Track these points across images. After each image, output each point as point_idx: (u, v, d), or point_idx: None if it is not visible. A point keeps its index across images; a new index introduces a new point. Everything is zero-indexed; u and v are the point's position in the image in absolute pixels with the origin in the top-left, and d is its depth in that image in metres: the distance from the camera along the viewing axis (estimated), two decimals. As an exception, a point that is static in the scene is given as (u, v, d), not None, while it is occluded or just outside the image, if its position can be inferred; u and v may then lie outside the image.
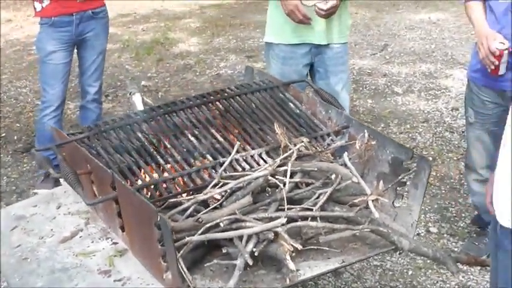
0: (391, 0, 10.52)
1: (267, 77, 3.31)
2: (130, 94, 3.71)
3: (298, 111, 3.04)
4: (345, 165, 2.49)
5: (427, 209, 4.40)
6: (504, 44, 3.22)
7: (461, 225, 4.24)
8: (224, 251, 2.25)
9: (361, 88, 6.67)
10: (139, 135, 2.82)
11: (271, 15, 3.98)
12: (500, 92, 3.40)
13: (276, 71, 3.88)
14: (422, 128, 5.71)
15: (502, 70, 3.30)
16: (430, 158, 5.06)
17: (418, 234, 4.08)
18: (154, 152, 2.73)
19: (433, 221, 4.31)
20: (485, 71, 3.39)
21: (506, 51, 3.22)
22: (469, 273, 3.75)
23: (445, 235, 4.15)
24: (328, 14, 3.70)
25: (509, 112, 1.98)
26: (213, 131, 2.87)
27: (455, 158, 5.12)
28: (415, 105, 6.22)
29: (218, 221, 2.22)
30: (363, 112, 6.07)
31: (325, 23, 3.81)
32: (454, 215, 4.37)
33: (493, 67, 3.28)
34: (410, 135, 5.58)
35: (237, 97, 3.06)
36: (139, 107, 3.44)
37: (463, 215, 4.35)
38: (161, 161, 2.69)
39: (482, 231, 3.95)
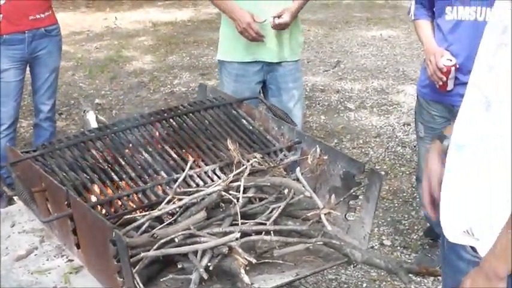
0: (343, 18, 10.67)
1: (220, 94, 3.34)
2: (84, 112, 3.71)
3: (251, 127, 3.08)
4: (298, 179, 2.53)
5: (380, 222, 4.46)
6: (451, 60, 3.30)
7: (414, 237, 4.31)
8: (179, 266, 2.27)
9: (314, 104, 6.74)
10: (94, 152, 2.83)
11: (224, 34, 4.01)
12: (448, 107, 3.47)
13: (229, 88, 3.91)
14: (375, 143, 5.79)
15: (450, 86, 3.38)
16: (383, 173, 5.13)
17: (372, 247, 4.13)
18: (109, 169, 2.74)
19: (386, 234, 4.37)
20: (433, 87, 3.46)
21: (453, 68, 3.30)
22: (423, 284, 3.81)
23: (398, 247, 4.21)
24: (280, 27, 3.77)
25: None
26: (167, 147, 2.88)
27: (407, 172, 5.20)
28: (367, 120, 6.31)
29: (173, 236, 2.24)
30: (316, 128, 6.13)
31: (276, 41, 3.86)
32: (407, 227, 4.44)
33: (441, 83, 3.36)
34: (363, 150, 5.65)
35: (191, 114, 3.09)
36: (93, 124, 3.44)
37: (416, 227, 4.42)
38: (116, 178, 2.69)
39: (435, 243, 4.01)
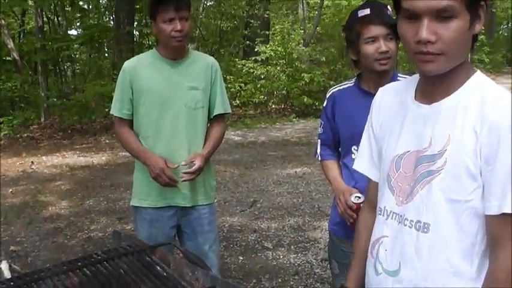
0: (258, 157, 10.90)
1: (134, 241, 3.36)
2: (-3, 261, 3.66)
3: (165, 273, 3.09)
4: (212, 325, 2.54)
5: None
6: (360, 197, 3.41)
7: None
8: None
9: (231, 245, 6.76)
10: (5, 305, 2.79)
11: (137, 179, 4.06)
12: None
13: (143, 234, 3.93)
14: (294, 281, 5.80)
15: None
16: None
17: None
18: (21, 323, 2.69)
19: None
20: (344, 224, 3.54)
21: (362, 205, 3.41)
22: None
23: None
24: (194, 175, 3.82)
25: None
26: (80, 297, 2.86)
27: (326, 310, 5.24)
28: (285, 258, 6.35)
29: None
30: (235, 269, 6.11)
31: (189, 185, 3.91)
32: None
33: (352, 220, 3.46)
34: (282, 289, 5.67)
35: (104, 262, 3.09)
36: (7, 275, 3.39)
37: None
38: (27, 332, 2.65)
39: None
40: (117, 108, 3.98)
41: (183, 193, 3.92)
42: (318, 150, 3.76)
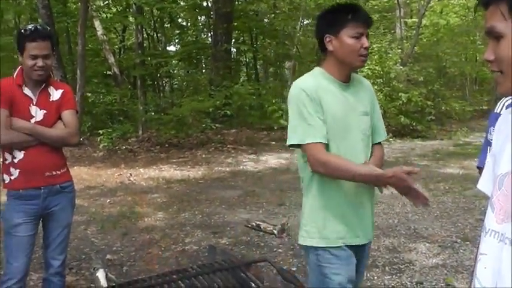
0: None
1: (229, 257, 3.35)
2: (94, 269, 3.72)
3: (258, 289, 3.07)
4: None
5: None
6: None
7: None
8: None
9: (326, 264, 6.66)
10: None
11: (325, 216, 3.47)
12: None
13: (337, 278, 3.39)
14: (388, 303, 5.71)
15: None
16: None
17: None
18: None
19: None
20: None
21: None
22: None
23: None
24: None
25: None
26: (175, 309, 2.87)
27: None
28: (379, 280, 6.22)
29: None
30: (328, 287, 6.04)
31: (371, 218, 3.60)
32: None
33: None
34: (375, 310, 5.57)
35: (200, 276, 3.09)
36: (103, 283, 3.44)
37: None
38: None
39: None
40: (316, 135, 3.31)
41: (365, 226, 3.53)
42: None
